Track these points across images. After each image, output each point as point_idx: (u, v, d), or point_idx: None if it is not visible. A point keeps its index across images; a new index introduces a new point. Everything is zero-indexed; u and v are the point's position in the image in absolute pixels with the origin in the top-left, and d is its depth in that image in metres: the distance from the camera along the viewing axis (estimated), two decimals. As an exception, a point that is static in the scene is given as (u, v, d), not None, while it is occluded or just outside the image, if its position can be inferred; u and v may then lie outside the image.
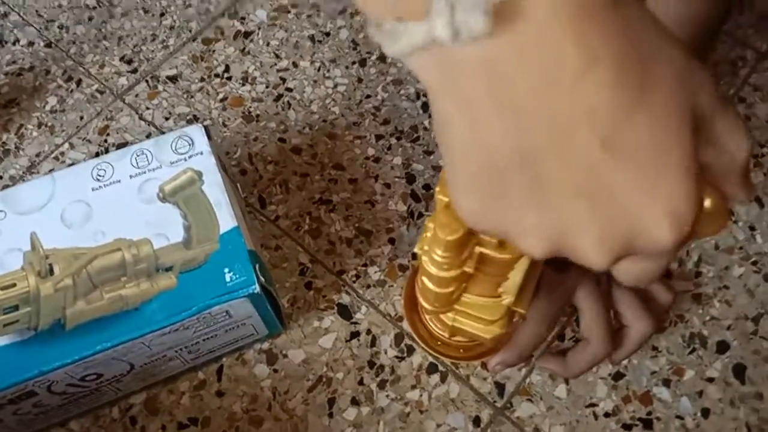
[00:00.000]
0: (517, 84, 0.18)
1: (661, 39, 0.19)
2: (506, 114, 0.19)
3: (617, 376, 0.47)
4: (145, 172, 0.43)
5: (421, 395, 0.47)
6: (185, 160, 0.44)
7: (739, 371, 0.47)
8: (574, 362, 0.41)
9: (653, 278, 0.24)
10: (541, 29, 0.17)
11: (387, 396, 0.47)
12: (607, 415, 0.46)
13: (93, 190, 0.43)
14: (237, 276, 0.40)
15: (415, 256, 0.52)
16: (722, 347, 0.48)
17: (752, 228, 0.52)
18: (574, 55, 0.17)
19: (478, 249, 0.29)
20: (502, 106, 0.19)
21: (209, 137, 0.45)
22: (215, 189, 0.42)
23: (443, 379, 0.48)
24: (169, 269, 0.40)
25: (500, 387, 0.47)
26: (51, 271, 0.40)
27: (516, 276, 0.31)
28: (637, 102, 0.18)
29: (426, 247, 0.29)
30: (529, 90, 0.18)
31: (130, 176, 0.43)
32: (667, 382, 0.47)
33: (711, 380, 0.47)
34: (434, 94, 0.20)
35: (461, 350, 0.43)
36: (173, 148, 0.44)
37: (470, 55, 0.18)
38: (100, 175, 0.43)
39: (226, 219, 0.42)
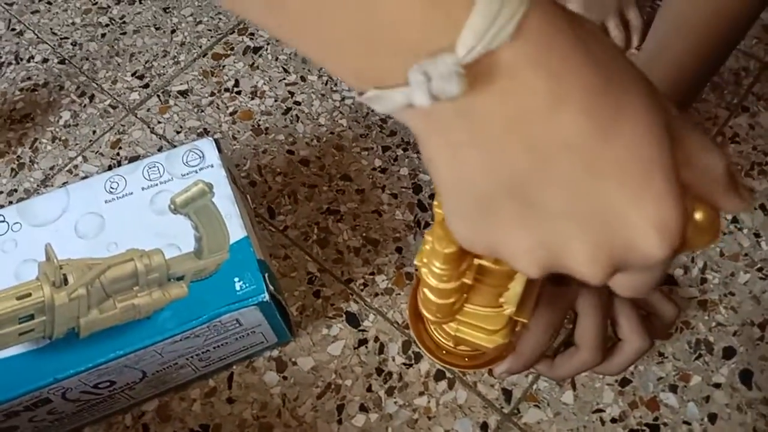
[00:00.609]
0: (494, 124, 0.19)
1: (627, 70, 0.20)
2: (487, 152, 0.20)
3: (624, 382, 0.48)
4: (156, 185, 0.44)
5: (428, 402, 0.48)
6: (196, 172, 0.45)
7: (746, 377, 0.48)
8: (560, 365, 0.41)
9: (649, 289, 0.25)
10: (512, 76, 0.18)
11: (395, 402, 0.48)
12: (614, 420, 0.47)
13: (106, 202, 0.44)
14: (247, 285, 0.41)
15: (421, 265, 0.52)
16: (728, 353, 0.48)
17: (757, 235, 0.53)
18: (546, 91, 0.18)
19: (476, 261, 0.29)
20: (482, 146, 0.20)
21: (219, 150, 0.46)
22: (225, 200, 0.43)
23: (451, 386, 0.48)
24: (180, 278, 0.41)
25: (507, 393, 0.48)
26: (65, 281, 0.41)
27: (516, 286, 0.32)
28: (612, 125, 0.19)
29: (425, 260, 0.30)
30: (506, 127, 0.19)
31: (142, 188, 0.44)
32: (673, 388, 0.47)
33: (718, 386, 0.47)
34: (419, 138, 0.21)
35: (466, 359, 0.43)
36: (184, 161, 0.45)
37: (448, 108, 0.19)
38: (112, 188, 0.44)
39: (236, 229, 0.42)
